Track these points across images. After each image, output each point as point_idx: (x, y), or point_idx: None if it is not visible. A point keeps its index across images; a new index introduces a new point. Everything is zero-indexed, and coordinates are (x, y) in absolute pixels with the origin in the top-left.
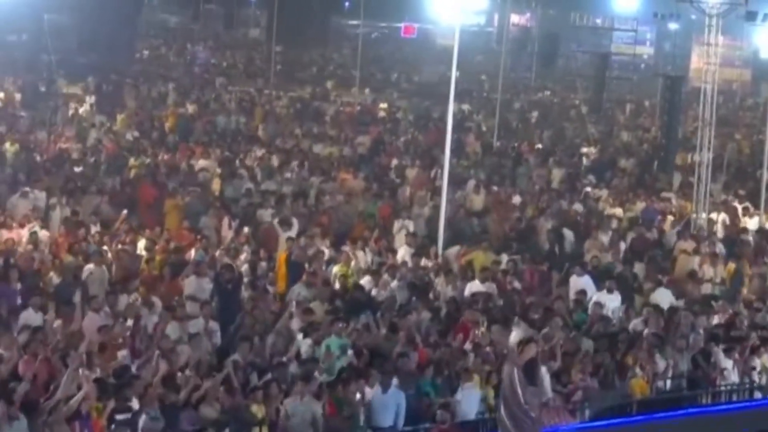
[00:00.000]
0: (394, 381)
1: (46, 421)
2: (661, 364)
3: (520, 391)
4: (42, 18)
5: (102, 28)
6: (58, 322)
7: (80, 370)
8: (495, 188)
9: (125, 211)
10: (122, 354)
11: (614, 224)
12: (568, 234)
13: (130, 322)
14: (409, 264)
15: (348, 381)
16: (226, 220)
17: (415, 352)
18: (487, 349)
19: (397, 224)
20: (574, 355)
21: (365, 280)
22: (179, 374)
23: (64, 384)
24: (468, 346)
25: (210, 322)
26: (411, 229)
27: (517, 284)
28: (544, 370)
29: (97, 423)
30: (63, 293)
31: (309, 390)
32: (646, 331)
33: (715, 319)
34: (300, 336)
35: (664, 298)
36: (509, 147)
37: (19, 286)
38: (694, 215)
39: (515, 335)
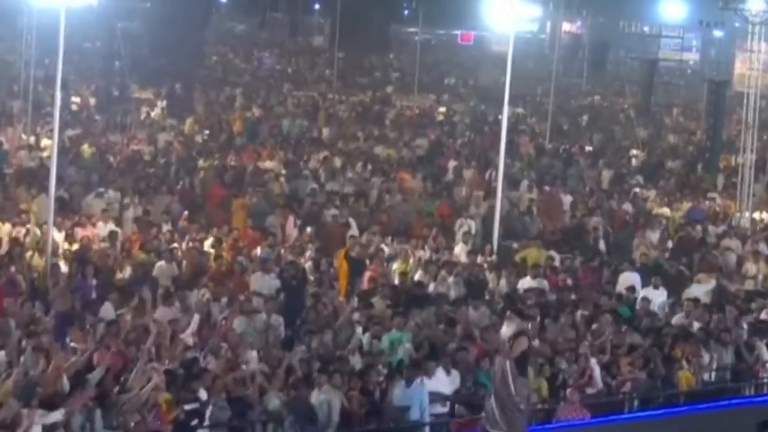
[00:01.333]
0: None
1: (118, 410)
2: (706, 357)
3: (511, 383)
4: (115, 26)
5: (172, 35)
6: (130, 316)
7: (151, 362)
8: (547, 188)
9: (186, 212)
10: (191, 346)
11: (662, 223)
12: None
13: (198, 317)
14: (465, 261)
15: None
16: (291, 219)
17: (473, 345)
18: (537, 342)
19: (458, 222)
20: (623, 349)
21: (423, 277)
22: (244, 366)
23: (135, 375)
24: None
25: (274, 317)
26: (471, 228)
27: (569, 280)
28: (593, 362)
29: (166, 413)
30: (135, 288)
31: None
32: (696, 325)
33: (763, 314)
34: (359, 330)
35: (699, 292)
36: (561, 149)
37: (94, 281)
38: (738, 214)
39: (508, 329)
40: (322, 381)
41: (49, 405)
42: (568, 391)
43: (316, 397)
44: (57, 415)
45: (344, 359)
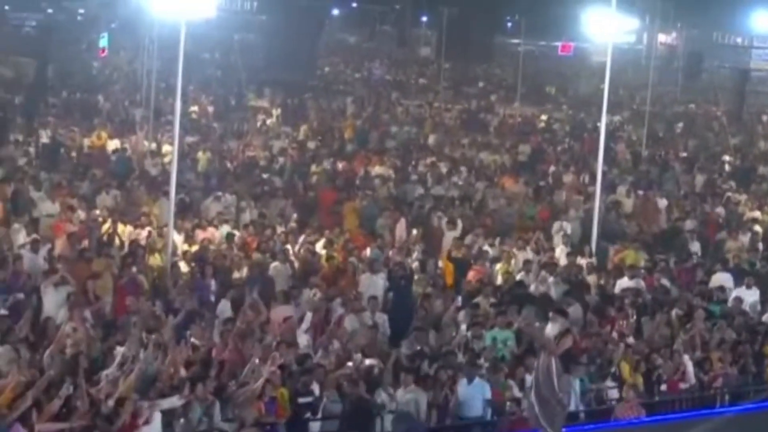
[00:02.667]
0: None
1: (234, 403)
2: None
3: (556, 379)
4: (232, 38)
5: (287, 46)
6: (247, 314)
7: (266, 358)
8: (643, 193)
9: (295, 215)
10: (304, 343)
11: (754, 227)
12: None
13: (310, 315)
14: (565, 262)
15: (512, 368)
16: (401, 222)
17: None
18: (631, 339)
19: (556, 225)
20: (717, 346)
21: (525, 277)
22: (350, 363)
23: (250, 370)
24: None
25: (378, 314)
26: (569, 230)
27: (664, 281)
28: (686, 358)
29: (282, 406)
30: (252, 288)
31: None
32: None
33: None
34: (463, 327)
35: None
36: (656, 155)
37: (212, 281)
38: None
39: (552, 328)
40: (408, 380)
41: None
42: (624, 389)
43: (402, 396)
44: (174, 401)
45: (451, 355)
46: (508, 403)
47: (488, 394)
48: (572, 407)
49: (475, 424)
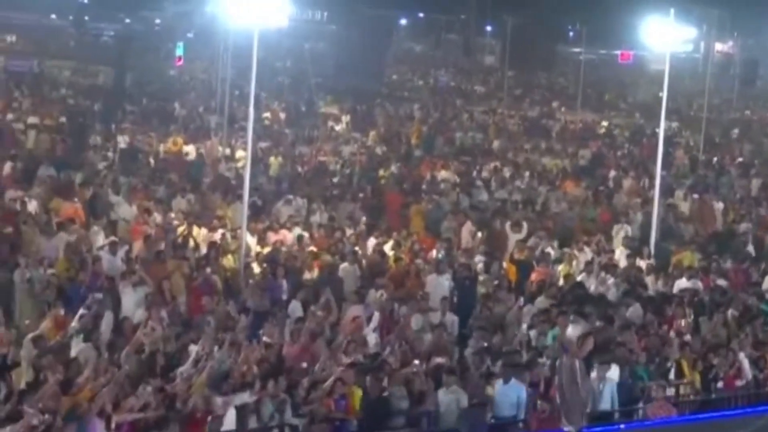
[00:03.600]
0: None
1: (305, 399)
2: None
3: (579, 381)
4: (303, 46)
5: (356, 55)
6: (318, 314)
7: (336, 356)
8: (700, 196)
9: (363, 217)
10: (372, 341)
11: None
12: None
13: (378, 314)
14: (625, 263)
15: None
16: (467, 225)
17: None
18: (688, 338)
19: (616, 228)
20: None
21: (585, 278)
22: (416, 361)
23: (320, 368)
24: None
25: (448, 315)
26: (629, 232)
27: (720, 281)
28: (742, 356)
29: (352, 403)
30: (322, 288)
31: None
32: None
33: None
34: (524, 326)
35: None
36: (713, 160)
37: (284, 282)
38: None
39: (574, 330)
40: (450, 381)
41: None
42: (653, 389)
43: (442, 396)
44: (245, 397)
45: (515, 353)
46: (538, 401)
47: (523, 395)
48: (608, 406)
49: (509, 424)
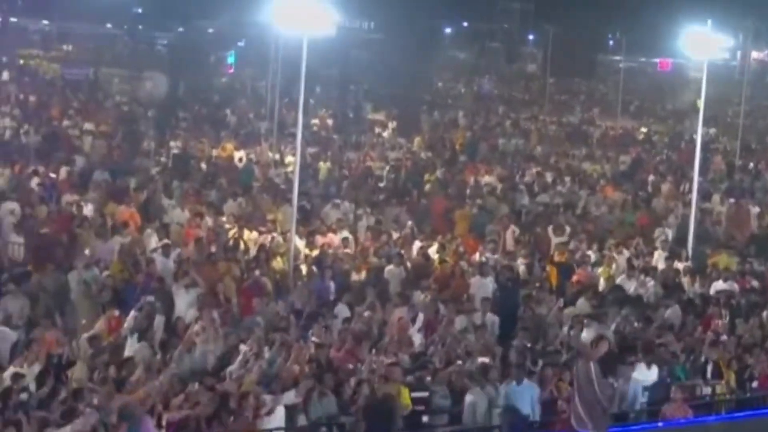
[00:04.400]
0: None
1: (351, 398)
2: None
3: (596, 384)
4: (350, 55)
5: (402, 62)
6: (364, 314)
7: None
8: (736, 200)
9: (409, 221)
10: (417, 342)
11: None
12: None
13: (422, 315)
14: (663, 266)
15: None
16: (510, 228)
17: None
18: (724, 338)
19: (657, 231)
20: None
21: (625, 280)
22: (459, 361)
23: (367, 367)
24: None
25: (490, 315)
26: (669, 236)
27: (755, 283)
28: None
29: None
30: (368, 290)
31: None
32: None
33: None
34: (565, 328)
35: None
36: (749, 165)
37: (331, 283)
38: None
39: (588, 333)
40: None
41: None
42: (672, 389)
43: (468, 399)
44: (291, 396)
45: (556, 353)
46: (559, 402)
47: (536, 395)
48: (636, 406)
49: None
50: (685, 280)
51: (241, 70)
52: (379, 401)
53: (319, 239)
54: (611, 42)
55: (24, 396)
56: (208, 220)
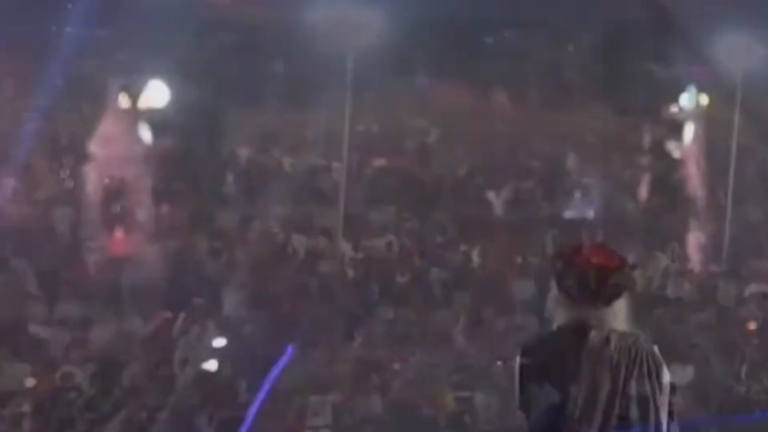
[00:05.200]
0: None
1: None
2: None
3: None
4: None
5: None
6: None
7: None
8: None
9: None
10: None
11: None
12: None
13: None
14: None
15: None
16: (550, 231)
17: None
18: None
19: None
20: None
21: (663, 282)
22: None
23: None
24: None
25: (527, 316)
26: (703, 239)
27: None
28: None
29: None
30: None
31: None
32: None
33: None
34: None
35: None
36: None
37: (376, 285)
38: None
39: None
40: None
41: None
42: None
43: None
44: (336, 396)
45: None
46: None
47: None
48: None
49: None
50: (721, 283)
51: None
52: None
53: (364, 242)
54: None
55: (74, 395)
56: (258, 224)
